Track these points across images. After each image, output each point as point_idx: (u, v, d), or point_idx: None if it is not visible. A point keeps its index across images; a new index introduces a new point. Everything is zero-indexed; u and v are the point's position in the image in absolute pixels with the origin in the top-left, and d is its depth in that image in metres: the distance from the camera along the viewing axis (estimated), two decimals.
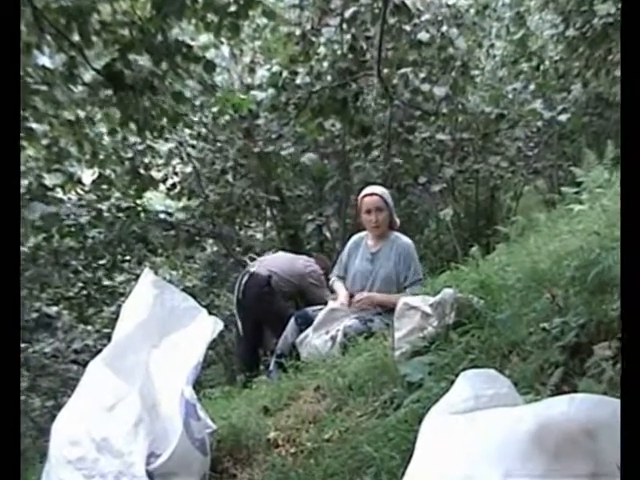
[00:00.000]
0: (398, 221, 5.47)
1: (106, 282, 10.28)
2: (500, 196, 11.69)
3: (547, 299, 3.12)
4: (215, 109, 9.18)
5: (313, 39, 8.50)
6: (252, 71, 9.84)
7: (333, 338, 4.88)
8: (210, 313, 3.56)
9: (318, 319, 5.13)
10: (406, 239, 5.37)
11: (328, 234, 10.41)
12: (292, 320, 5.40)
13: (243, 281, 6.25)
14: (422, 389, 2.97)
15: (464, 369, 2.40)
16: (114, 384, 3.12)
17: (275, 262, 6.44)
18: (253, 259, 6.64)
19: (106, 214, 9.38)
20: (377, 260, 5.28)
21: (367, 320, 5.00)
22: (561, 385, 2.52)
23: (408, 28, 8.39)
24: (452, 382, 2.03)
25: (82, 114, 7.25)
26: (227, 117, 9.35)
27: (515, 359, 2.94)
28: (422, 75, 8.75)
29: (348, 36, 8.35)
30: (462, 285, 4.06)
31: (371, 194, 5.32)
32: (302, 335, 5.15)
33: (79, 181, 8.91)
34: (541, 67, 10.42)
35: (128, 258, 10.16)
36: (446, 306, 3.49)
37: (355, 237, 5.55)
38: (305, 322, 5.27)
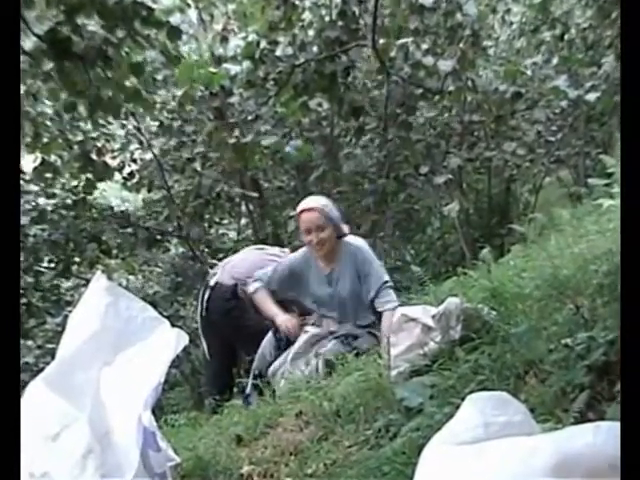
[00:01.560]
0: (347, 227, 5.45)
1: (50, 289, 10.25)
2: (516, 189, 11.75)
3: (570, 310, 3.13)
4: (181, 85, 9.16)
5: (296, 2, 8.49)
6: (224, 40, 9.80)
7: (314, 368, 4.89)
8: (173, 325, 3.55)
9: (297, 346, 5.14)
10: (356, 243, 5.38)
11: None
12: (270, 334, 5.39)
13: (205, 295, 6.12)
14: (422, 415, 2.97)
15: (471, 392, 2.40)
16: (58, 408, 3.11)
17: (241, 265, 6.12)
18: (215, 265, 6.57)
19: (50, 208, 9.34)
20: (333, 281, 5.33)
21: (350, 337, 5.04)
22: (586, 411, 2.53)
23: None
24: (457, 407, 2.03)
25: (21, 89, 7.21)
26: (195, 94, 9.33)
27: (532, 381, 2.95)
28: (425, 46, 8.75)
29: None
30: (470, 293, 4.07)
31: (308, 209, 5.27)
32: (277, 364, 5.15)
33: None
34: (566, 36, 10.40)
35: (77, 260, 10.13)
36: (451, 318, 3.50)
37: (303, 252, 5.51)
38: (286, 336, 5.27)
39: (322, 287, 5.32)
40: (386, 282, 5.16)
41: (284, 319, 5.32)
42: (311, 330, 5.24)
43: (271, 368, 5.14)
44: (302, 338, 5.18)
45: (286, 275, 5.45)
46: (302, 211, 5.26)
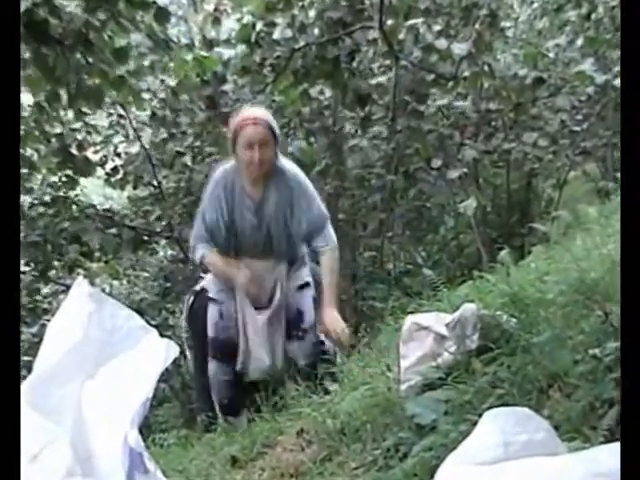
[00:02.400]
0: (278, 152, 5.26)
1: (26, 295, 10.26)
2: (538, 184, 11.74)
3: (598, 318, 3.13)
4: (169, 71, 9.17)
5: None
6: (217, 22, 9.82)
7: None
8: (162, 335, 3.54)
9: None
10: (293, 169, 5.24)
11: None
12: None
13: (189, 302, 6.08)
14: (435, 433, 2.97)
15: (490, 407, 2.40)
16: (36, 427, 3.10)
17: None
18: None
19: (27, 207, 9.35)
20: (262, 211, 5.10)
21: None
22: (616, 429, 2.53)
23: None
24: (474, 424, 2.03)
25: None
26: (184, 82, 9.34)
27: (556, 395, 2.95)
28: (437, 28, 8.77)
29: None
30: (488, 299, 4.07)
31: (254, 121, 4.99)
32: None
33: None
34: (593, 16, 10.36)
35: (56, 264, 10.14)
36: (467, 326, 3.50)
37: (220, 173, 5.19)
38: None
39: (246, 216, 5.10)
40: (327, 218, 5.17)
41: (243, 277, 5.11)
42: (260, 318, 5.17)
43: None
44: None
45: (213, 214, 5.13)
46: (245, 123, 4.97)
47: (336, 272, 5.22)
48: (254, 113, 5.09)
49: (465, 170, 9.32)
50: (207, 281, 5.56)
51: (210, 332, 5.27)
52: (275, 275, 5.19)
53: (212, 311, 5.29)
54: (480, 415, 2.05)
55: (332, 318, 5.12)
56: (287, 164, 5.21)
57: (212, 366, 5.32)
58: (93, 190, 11.24)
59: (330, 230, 5.18)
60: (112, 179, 10.44)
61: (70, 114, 8.86)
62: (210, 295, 5.33)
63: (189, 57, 8.55)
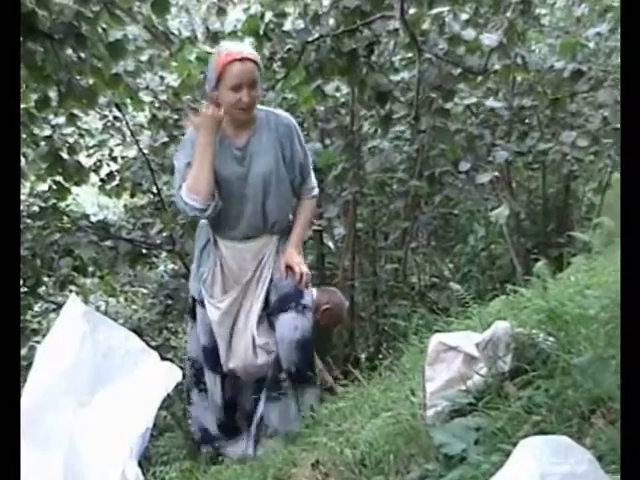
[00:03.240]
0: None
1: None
2: (578, 188, 11.72)
3: None
4: (169, 68, 9.19)
5: None
6: (221, 12, 9.84)
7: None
8: (163, 358, 3.57)
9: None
10: (282, 113, 5.30)
11: (331, 244, 10.40)
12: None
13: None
14: (465, 465, 2.96)
15: (525, 436, 2.40)
16: (25, 460, 3.12)
17: None
18: None
19: None
20: (247, 158, 5.08)
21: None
22: None
23: None
24: (508, 455, 2.03)
25: None
26: (186, 79, 9.35)
27: (600, 422, 2.94)
28: (464, 16, 8.76)
29: None
30: (523, 316, 4.07)
31: (245, 58, 4.89)
32: None
33: None
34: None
35: (46, 280, 10.16)
36: (499, 346, 3.50)
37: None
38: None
39: (230, 165, 5.05)
40: (313, 164, 5.25)
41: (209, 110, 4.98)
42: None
43: None
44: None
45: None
46: (232, 59, 4.85)
47: (310, 221, 5.46)
48: (241, 49, 4.98)
49: (496, 173, 9.29)
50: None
51: (201, 341, 5.31)
52: (263, 247, 5.19)
53: (199, 317, 5.32)
54: (514, 444, 2.05)
55: (291, 255, 5.15)
56: (275, 110, 5.31)
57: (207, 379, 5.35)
58: (86, 199, 11.27)
59: (313, 176, 5.28)
60: (107, 186, 10.43)
61: (60, 115, 8.89)
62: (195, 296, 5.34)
63: (192, 52, 8.56)
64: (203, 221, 5.24)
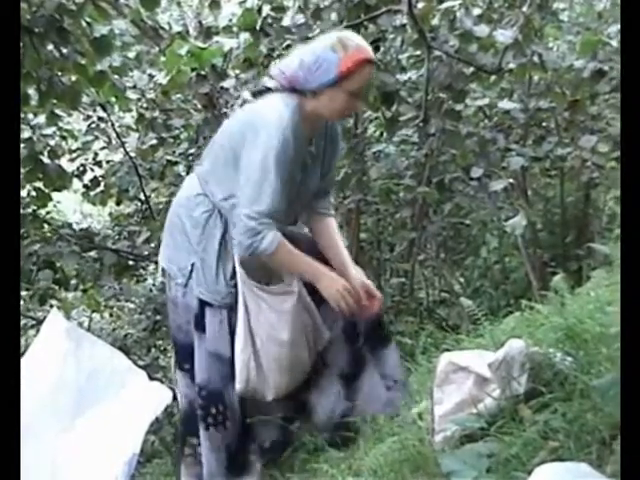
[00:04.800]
0: None
1: None
2: (598, 197, 11.72)
3: None
4: (159, 65, 9.21)
5: None
6: (215, 5, 9.85)
7: None
8: (151, 378, 3.58)
9: None
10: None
11: None
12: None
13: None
14: None
15: (541, 463, 2.41)
16: None
17: None
18: None
19: None
20: (310, 164, 4.66)
21: None
22: None
23: None
24: None
25: None
26: (177, 78, 9.37)
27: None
28: (477, 11, 8.77)
29: None
30: (539, 334, 4.07)
31: (372, 60, 4.45)
32: None
33: None
34: None
35: (24, 294, 10.17)
36: (514, 366, 3.51)
37: (287, 114, 4.33)
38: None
39: (297, 168, 4.48)
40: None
41: (335, 281, 4.41)
42: None
43: None
44: None
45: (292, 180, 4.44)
46: (367, 59, 4.34)
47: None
48: (366, 45, 4.42)
49: (511, 180, 9.28)
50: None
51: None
52: None
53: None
54: (529, 472, 2.06)
55: (363, 275, 4.73)
56: None
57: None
58: (68, 206, 11.30)
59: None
60: (91, 193, 10.44)
61: (41, 117, 8.91)
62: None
63: (183, 48, 8.56)
64: (204, 206, 4.78)
